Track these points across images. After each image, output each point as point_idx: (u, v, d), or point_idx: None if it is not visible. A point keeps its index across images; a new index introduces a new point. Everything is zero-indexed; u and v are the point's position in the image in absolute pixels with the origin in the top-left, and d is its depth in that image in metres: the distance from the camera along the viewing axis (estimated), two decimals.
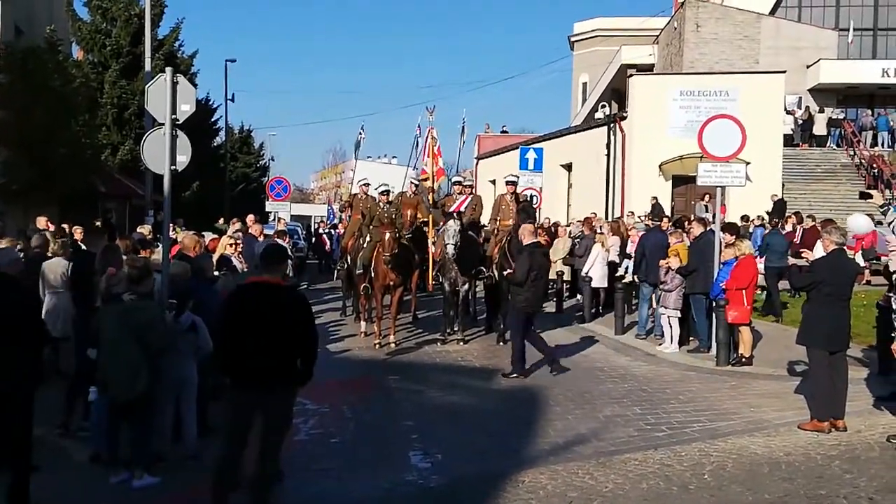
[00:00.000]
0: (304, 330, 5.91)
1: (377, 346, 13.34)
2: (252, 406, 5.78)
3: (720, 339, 11.73)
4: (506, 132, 43.11)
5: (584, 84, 46.70)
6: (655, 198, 23.48)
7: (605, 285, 16.80)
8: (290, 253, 15.29)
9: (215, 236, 14.78)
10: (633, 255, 16.09)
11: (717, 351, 11.79)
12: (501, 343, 13.70)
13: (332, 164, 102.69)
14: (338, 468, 7.44)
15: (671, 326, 12.92)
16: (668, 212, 23.23)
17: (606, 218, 23.55)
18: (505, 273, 12.15)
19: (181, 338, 7.24)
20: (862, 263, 15.79)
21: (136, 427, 6.82)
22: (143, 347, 6.71)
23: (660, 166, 25.29)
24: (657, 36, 39.37)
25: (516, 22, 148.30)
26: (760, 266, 13.57)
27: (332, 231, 29.32)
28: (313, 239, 33.37)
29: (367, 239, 14.14)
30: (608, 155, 26.73)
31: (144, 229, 15.16)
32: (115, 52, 29.91)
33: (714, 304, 11.86)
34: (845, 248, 9.47)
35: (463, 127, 21.55)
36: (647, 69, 36.94)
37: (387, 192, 14.67)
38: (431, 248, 14.43)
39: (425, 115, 16.44)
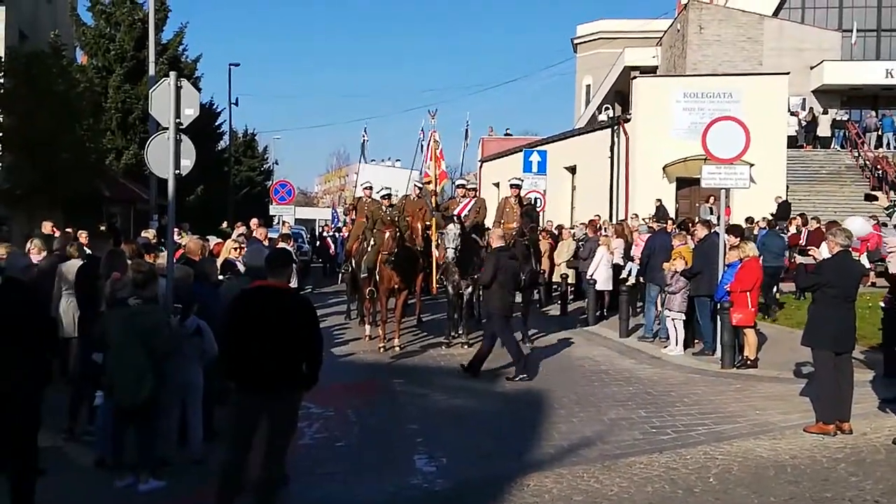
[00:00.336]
0: (309, 334, 5.91)
1: (381, 349, 13.34)
2: (257, 410, 5.78)
3: (725, 342, 11.71)
4: (509, 135, 43.09)
5: (588, 86, 46.70)
6: (659, 200, 23.46)
7: (610, 288, 16.79)
8: (294, 257, 15.31)
9: (219, 240, 14.82)
10: (635, 257, 16.11)
11: (722, 353, 11.77)
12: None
13: (336, 167, 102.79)
14: (343, 472, 7.44)
15: (676, 329, 12.90)
16: (672, 214, 23.21)
17: (610, 220, 23.54)
18: (475, 277, 12.26)
19: (186, 342, 7.26)
20: (867, 265, 15.75)
21: (142, 431, 6.82)
22: (149, 352, 6.72)
23: (664, 168, 25.26)
24: (660, 38, 39.36)
25: (519, 24, 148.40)
26: None
27: (336, 234, 29.33)
28: (317, 242, 33.39)
29: (372, 242, 14.15)
30: (612, 157, 26.71)
31: (149, 233, 15.17)
32: (119, 56, 29.96)
33: (719, 306, 11.85)
34: (850, 249, 9.44)
35: (466, 130, 21.60)
36: (650, 71, 36.92)
37: (388, 196, 14.69)
38: (435, 252, 14.43)
39: (427, 118, 16.48)
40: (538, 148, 25.00)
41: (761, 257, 15.52)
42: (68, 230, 14.15)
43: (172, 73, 8.35)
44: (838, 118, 32.02)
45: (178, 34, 32.54)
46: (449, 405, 10.02)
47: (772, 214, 22.00)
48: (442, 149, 15.74)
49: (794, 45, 33.57)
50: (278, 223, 24.89)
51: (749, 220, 20.03)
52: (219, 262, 10.38)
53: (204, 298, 7.80)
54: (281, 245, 14.53)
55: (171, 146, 8.15)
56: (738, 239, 12.19)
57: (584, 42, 47.26)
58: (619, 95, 39.77)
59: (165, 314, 7.27)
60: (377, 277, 13.58)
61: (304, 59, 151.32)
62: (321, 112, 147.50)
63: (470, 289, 13.96)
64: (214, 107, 38.61)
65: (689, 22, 34.12)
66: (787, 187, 25.54)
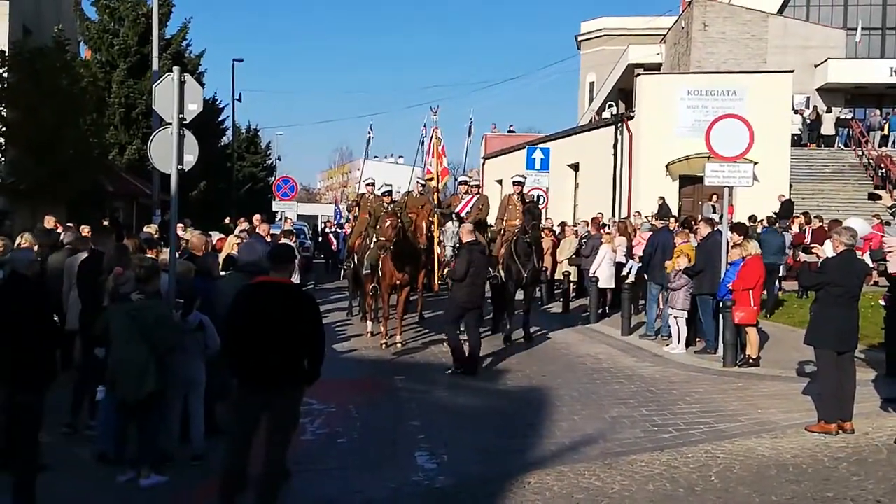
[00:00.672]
0: (312, 329, 5.91)
1: (383, 345, 13.35)
2: (259, 406, 5.79)
3: (727, 340, 11.70)
4: (513, 132, 43.06)
5: (592, 83, 46.62)
6: (662, 198, 23.45)
7: (612, 286, 16.79)
8: (296, 252, 15.32)
9: (222, 236, 14.83)
10: (637, 255, 16.11)
11: (724, 352, 11.76)
12: (508, 343, 13.71)
13: (339, 163, 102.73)
14: (344, 468, 7.45)
15: (679, 327, 12.89)
16: (674, 212, 23.18)
17: (613, 218, 23.53)
18: (446, 271, 12.37)
19: (189, 337, 7.26)
20: (870, 264, 15.74)
21: (144, 426, 6.84)
22: (152, 347, 6.73)
23: (667, 166, 25.24)
24: (664, 35, 39.30)
25: (523, 21, 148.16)
26: None
27: (339, 230, 29.35)
28: (320, 239, 33.41)
29: (374, 239, 14.15)
30: (615, 155, 26.70)
31: (151, 229, 15.20)
32: (123, 51, 29.99)
33: (721, 304, 11.84)
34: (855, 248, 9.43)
35: (470, 126, 21.59)
36: (654, 69, 36.86)
37: (388, 193, 14.69)
38: (438, 249, 14.42)
39: (430, 115, 16.48)
40: (541, 145, 24.97)
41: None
42: (70, 224, 14.18)
43: (176, 69, 8.34)
44: (842, 116, 31.95)
45: (181, 29, 32.59)
46: (450, 402, 10.02)
47: (775, 213, 21.96)
48: (444, 145, 15.74)
49: (798, 43, 33.52)
50: (281, 219, 24.90)
51: (752, 218, 20.02)
52: (221, 257, 10.38)
53: (206, 294, 7.80)
54: (283, 241, 14.56)
55: (174, 141, 8.15)
56: (742, 237, 12.17)
57: (589, 39, 47.16)
58: (623, 93, 39.71)
59: (168, 309, 7.27)
60: (379, 274, 13.60)
61: (307, 56, 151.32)
62: (324, 108, 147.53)
63: None
64: (218, 102, 38.63)
65: (694, 19, 34.06)
66: (791, 186, 25.50)
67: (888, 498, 6.59)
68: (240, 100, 42.69)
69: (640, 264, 15.66)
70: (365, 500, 6.69)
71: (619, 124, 26.96)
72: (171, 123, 8.17)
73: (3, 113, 19.62)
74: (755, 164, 15.04)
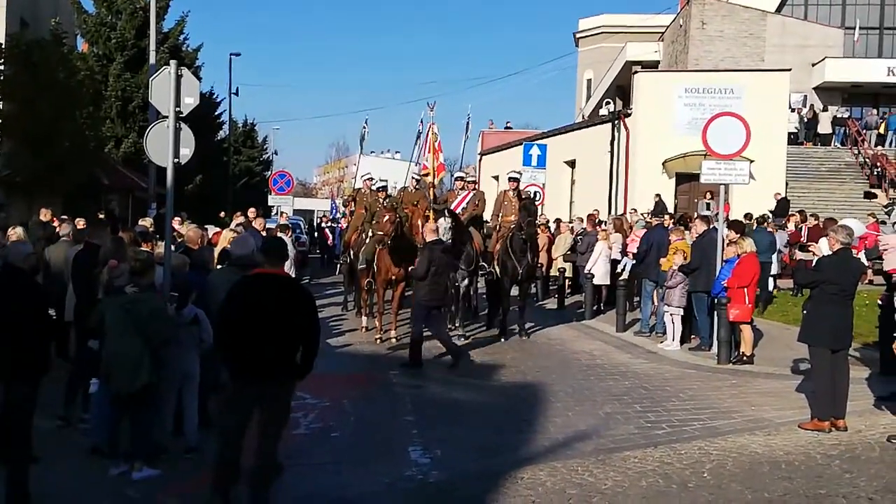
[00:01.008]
0: (307, 321, 5.93)
1: (378, 340, 13.36)
2: (254, 397, 5.81)
3: (721, 338, 11.72)
4: (510, 128, 43.11)
5: (589, 81, 46.63)
6: (658, 195, 23.46)
7: (608, 282, 16.81)
8: (292, 247, 15.32)
9: (218, 229, 14.81)
10: (631, 252, 16.11)
11: (719, 349, 11.79)
12: (503, 339, 13.72)
13: (335, 158, 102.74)
14: (338, 462, 7.44)
15: (674, 324, 12.91)
16: (671, 209, 23.20)
17: (609, 215, 23.55)
18: (410, 269, 12.44)
19: (184, 331, 7.25)
20: (865, 262, 15.76)
21: (138, 419, 6.83)
22: (146, 340, 6.72)
23: (663, 164, 25.26)
24: (662, 33, 39.30)
25: (521, 18, 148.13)
26: None
27: (335, 225, 29.33)
28: (315, 233, 33.39)
29: (370, 234, 14.16)
30: (612, 152, 26.70)
31: (146, 222, 15.16)
32: (120, 44, 29.93)
33: (716, 302, 11.86)
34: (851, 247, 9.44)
35: (468, 122, 21.57)
36: (652, 66, 36.86)
37: (384, 189, 14.68)
38: None
39: (427, 110, 16.48)
40: (538, 141, 24.96)
41: None
42: (64, 217, 14.16)
43: (173, 62, 8.34)
44: (839, 115, 31.99)
45: (179, 23, 32.52)
46: (444, 397, 10.02)
47: (771, 211, 21.99)
48: (440, 141, 15.73)
49: (796, 42, 33.52)
50: (276, 213, 24.89)
51: (748, 216, 20.04)
52: (217, 251, 10.37)
53: (201, 287, 7.79)
54: (279, 235, 14.56)
55: (170, 135, 8.14)
56: (739, 235, 12.19)
57: (586, 36, 47.17)
58: (621, 90, 39.70)
59: (162, 302, 7.27)
60: (375, 269, 13.60)
61: (304, 51, 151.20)
62: (320, 104, 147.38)
63: (466, 281, 13.97)
64: (215, 96, 38.58)
65: (692, 17, 34.06)
66: (787, 184, 25.54)
67: (880, 495, 6.61)
68: (237, 94, 42.83)
69: (635, 261, 15.69)
70: (358, 494, 6.69)
71: (617, 121, 26.95)
72: (167, 117, 8.16)
73: None
74: (751, 161, 15.02)
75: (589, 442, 8.05)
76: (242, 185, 44.95)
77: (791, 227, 20.04)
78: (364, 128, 24.59)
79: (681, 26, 35.81)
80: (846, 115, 32.29)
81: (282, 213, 23.22)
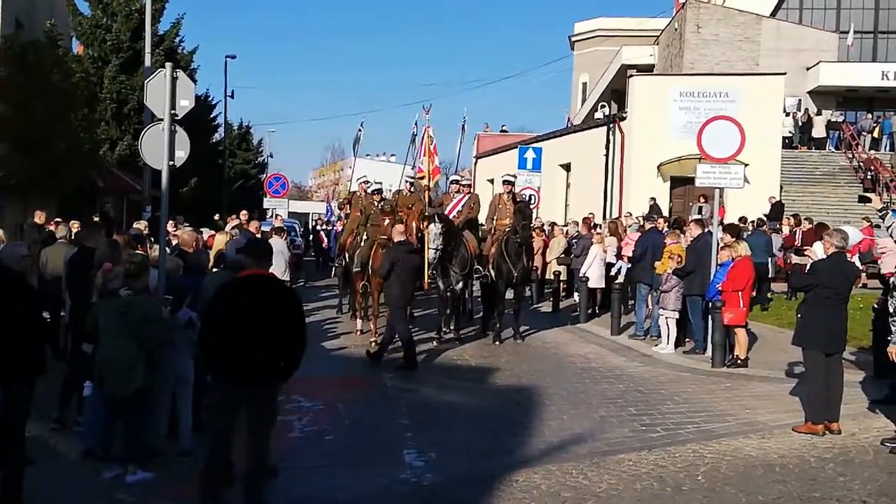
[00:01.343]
0: (295, 322, 5.97)
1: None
2: (242, 399, 5.81)
3: (716, 341, 11.74)
4: (505, 131, 43.05)
5: (584, 84, 46.68)
6: (653, 198, 23.49)
7: (602, 286, 16.83)
8: (287, 250, 15.33)
9: (213, 232, 14.81)
10: (625, 256, 16.13)
11: (713, 352, 11.80)
12: (497, 342, 13.72)
13: (331, 161, 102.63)
14: (332, 465, 7.44)
15: (669, 328, 12.93)
16: (665, 213, 23.21)
17: (604, 218, 23.57)
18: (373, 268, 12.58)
19: (178, 334, 7.24)
20: (860, 266, 15.81)
21: (132, 422, 6.82)
22: (140, 343, 6.71)
23: (658, 167, 25.28)
24: (658, 36, 39.34)
25: (517, 21, 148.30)
26: None
27: (330, 228, 29.30)
28: (311, 236, 33.38)
29: (365, 237, 14.16)
30: (607, 155, 26.73)
31: (141, 225, 15.16)
32: (116, 47, 29.89)
33: (710, 305, 11.87)
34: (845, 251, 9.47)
35: (463, 125, 21.58)
36: (647, 70, 36.89)
37: (378, 192, 14.70)
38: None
39: (422, 113, 16.49)
40: (533, 145, 24.98)
41: None
42: (58, 219, 14.16)
43: (168, 65, 8.35)
44: (833, 119, 32.07)
45: (174, 26, 32.50)
46: (439, 400, 10.03)
47: (765, 215, 22.03)
48: (436, 144, 15.73)
49: (791, 46, 33.57)
50: (271, 216, 24.87)
51: (742, 219, 20.09)
52: (212, 254, 10.37)
53: (195, 290, 7.78)
54: (274, 238, 14.56)
55: (165, 137, 8.14)
56: (734, 238, 12.21)
57: (582, 40, 47.22)
58: (616, 93, 39.72)
59: (157, 305, 7.26)
60: (370, 272, 13.59)
61: (300, 52, 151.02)
62: (316, 106, 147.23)
63: (461, 284, 13.97)
64: (210, 99, 38.58)
65: (687, 21, 34.10)
66: (781, 188, 25.57)
67: (874, 498, 6.63)
68: (232, 96, 42.71)
69: (629, 265, 15.70)
70: (353, 497, 6.69)
71: (612, 125, 26.98)
72: (162, 119, 8.16)
73: None
74: (746, 165, 15.06)
75: (584, 445, 8.05)
76: (238, 188, 44.92)
77: (785, 230, 20.08)
78: (360, 130, 24.56)
79: (676, 30, 35.86)
80: (840, 118, 32.37)
81: (277, 215, 23.21)
